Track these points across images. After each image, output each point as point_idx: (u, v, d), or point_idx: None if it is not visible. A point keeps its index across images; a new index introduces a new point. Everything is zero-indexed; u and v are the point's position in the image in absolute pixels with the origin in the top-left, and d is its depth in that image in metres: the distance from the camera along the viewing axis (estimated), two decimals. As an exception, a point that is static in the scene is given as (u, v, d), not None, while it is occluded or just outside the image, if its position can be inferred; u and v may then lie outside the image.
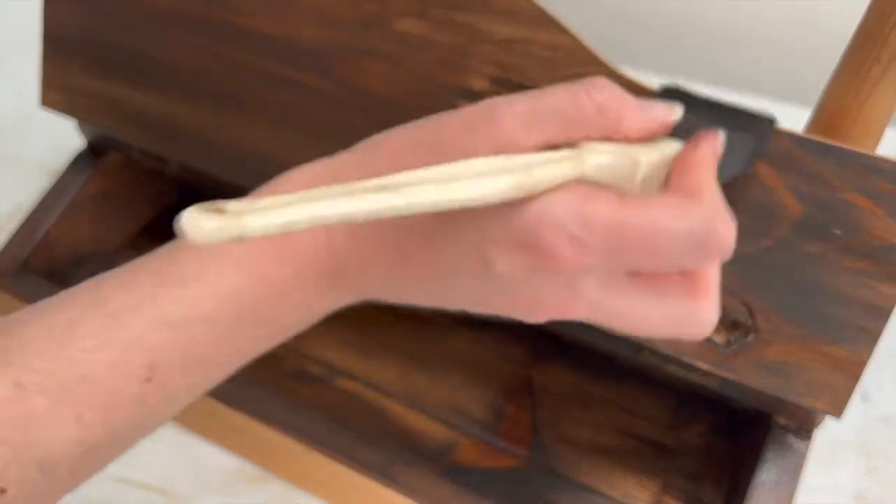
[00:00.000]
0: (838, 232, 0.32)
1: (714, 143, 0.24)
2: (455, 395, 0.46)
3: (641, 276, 0.23)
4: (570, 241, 0.21)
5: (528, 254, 0.21)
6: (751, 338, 0.33)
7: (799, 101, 0.54)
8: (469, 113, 0.24)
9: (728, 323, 0.33)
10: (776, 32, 0.74)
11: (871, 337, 0.32)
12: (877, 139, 0.36)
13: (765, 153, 0.31)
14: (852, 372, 0.32)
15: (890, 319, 0.31)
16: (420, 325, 0.49)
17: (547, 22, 0.34)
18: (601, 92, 0.23)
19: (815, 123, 0.37)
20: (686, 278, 0.23)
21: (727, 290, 0.33)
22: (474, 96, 0.36)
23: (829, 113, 0.36)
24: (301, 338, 0.48)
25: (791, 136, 0.32)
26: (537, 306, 0.23)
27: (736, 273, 0.33)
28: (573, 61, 0.34)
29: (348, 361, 0.47)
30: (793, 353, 0.32)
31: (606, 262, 0.21)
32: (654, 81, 0.33)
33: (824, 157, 0.31)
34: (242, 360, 0.29)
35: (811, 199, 0.32)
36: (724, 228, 0.21)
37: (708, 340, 0.33)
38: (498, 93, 0.36)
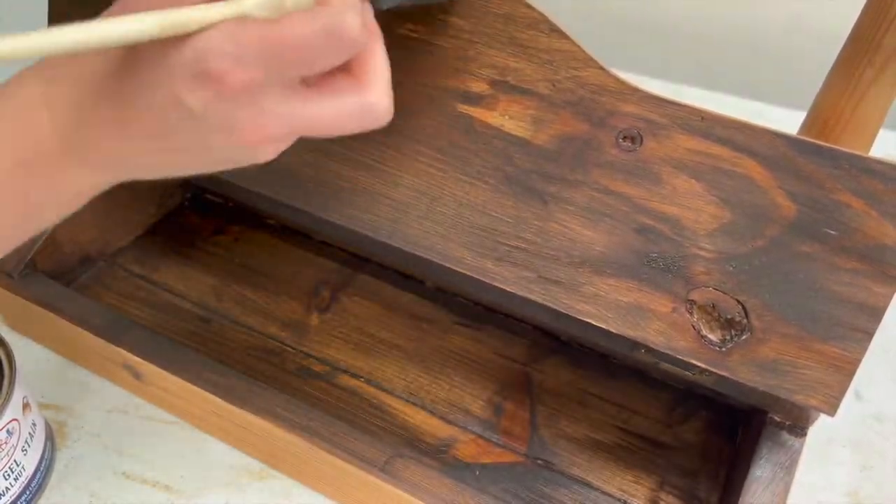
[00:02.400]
0: (832, 232, 0.32)
1: None
2: (455, 393, 0.46)
3: (314, 83, 0.26)
4: (233, 62, 0.24)
5: (204, 82, 0.24)
6: (745, 336, 0.33)
7: (793, 103, 0.55)
8: None
9: (723, 321, 0.34)
10: (770, 37, 0.74)
11: (864, 336, 0.32)
12: (870, 141, 0.36)
13: None
14: (846, 370, 0.32)
15: (883, 318, 0.32)
16: (420, 323, 0.50)
17: (545, 26, 0.35)
18: None
19: (809, 125, 0.37)
20: (351, 74, 0.26)
21: (722, 288, 0.33)
22: (474, 99, 0.37)
23: (823, 115, 0.36)
24: (303, 336, 0.49)
25: (785, 138, 0.32)
26: (241, 133, 0.26)
27: (730, 272, 0.33)
28: (570, 65, 0.35)
29: (350, 359, 0.48)
30: (787, 351, 0.33)
31: (271, 73, 0.25)
32: (649, 85, 0.34)
33: (818, 158, 0.32)
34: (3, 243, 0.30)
35: (805, 199, 0.32)
36: (351, 17, 0.24)
37: (703, 339, 0.34)
38: (497, 95, 0.36)
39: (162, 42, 0.24)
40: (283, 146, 0.27)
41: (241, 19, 0.24)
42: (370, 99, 0.26)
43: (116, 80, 0.27)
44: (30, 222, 0.30)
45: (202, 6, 0.25)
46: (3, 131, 0.28)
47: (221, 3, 0.25)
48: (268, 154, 0.28)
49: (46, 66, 0.29)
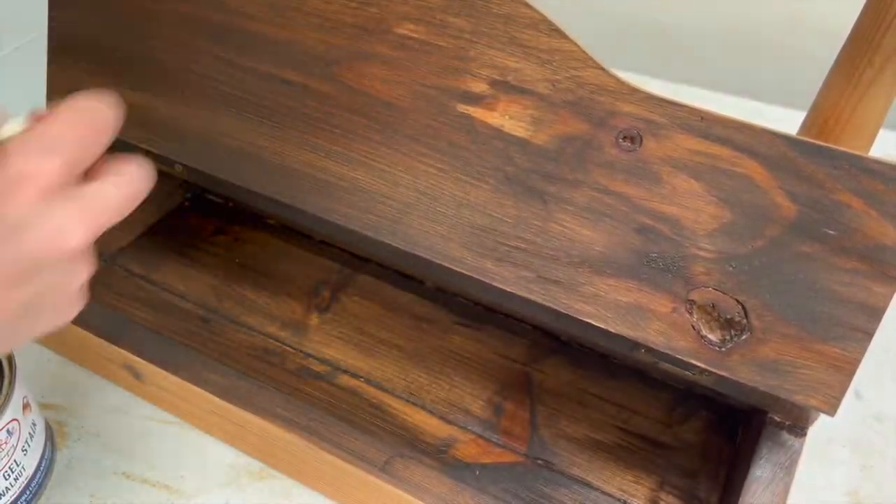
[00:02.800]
0: (832, 232, 0.32)
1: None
2: (455, 393, 0.46)
3: (91, 177, 0.28)
4: (42, 158, 0.26)
5: (21, 186, 0.25)
6: (745, 336, 0.33)
7: (793, 103, 0.55)
8: None
9: (722, 321, 0.34)
10: (770, 37, 0.74)
11: (864, 336, 0.32)
12: (869, 141, 0.36)
13: None
14: (846, 370, 0.32)
15: (883, 318, 0.32)
16: (420, 323, 0.50)
17: (545, 26, 0.35)
18: None
19: (809, 125, 0.37)
20: (106, 163, 0.29)
21: (722, 289, 0.33)
22: (474, 99, 0.37)
23: (823, 115, 0.36)
24: (303, 336, 0.49)
25: (785, 138, 0.32)
26: (68, 233, 0.27)
27: (730, 272, 0.33)
28: (570, 65, 0.35)
29: (350, 359, 0.48)
30: (787, 351, 0.33)
31: (71, 164, 0.27)
32: (649, 85, 0.34)
33: (817, 158, 0.32)
34: None
35: (805, 199, 0.32)
36: (105, 105, 0.29)
37: (703, 339, 0.34)
38: (497, 95, 0.36)
39: None
40: (90, 246, 0.28)
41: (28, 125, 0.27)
42: (131, 167, 0.30)
43: None
44: None
45: None
46: None
47: None
48: (88, 263, 0.29)
49: None
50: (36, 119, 0.28)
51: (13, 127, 0.29)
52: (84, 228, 0.27)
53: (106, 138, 0.29)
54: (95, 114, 0.28)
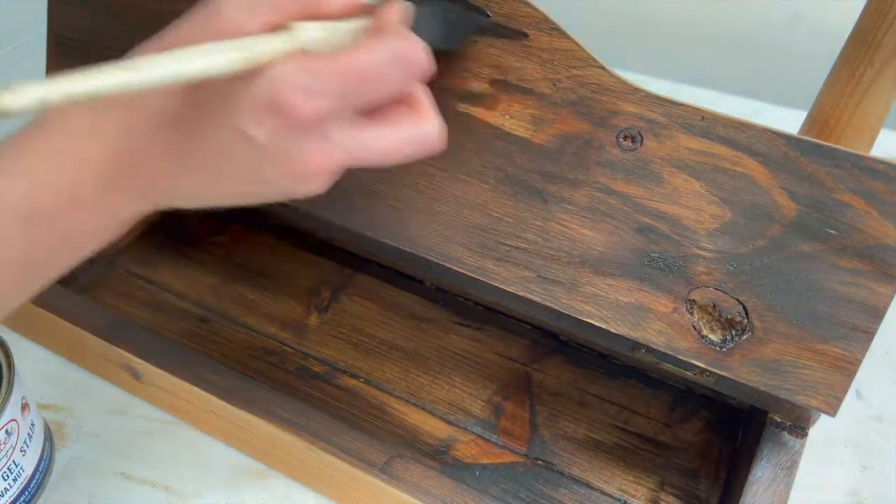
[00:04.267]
0: (832, 232, 0.32)
1: (399, 8, 0.28)
2: (454, 393, 0.46)
3: (375, 114, 0.27)
4: (304, 93, 0.25)
5: (274, 114, 0.25)
6: (746, 336, 0.33)
7: (794, 103, 0.55)
8: (202, 12, 0.27)
9: (723, 321, 0.33)
10: (771, 36, 0.74)
11: (865, 336, 0.32)
12: (870, 140, 0.36)
13: (470, 32, 0.36)
14: (847, 370, 0.32)
15: (884, 318, 0.32)
16: (420, 323, 0.50)
17: (546, 25, 0.35)
18: None
19: (810, 125, 0.37)
20: (406, 106, 0.27)
21: (723, 289, 0.33)
22: (475, 98, 0.37)
23: (824, 115, 0.36)
24: (303, 336, 0.49)
25: (786, 137, 0.32)
26: (304, 165, 0.26)
27: (731, 272, 0.33)
28: (571, 64, 0.35)
29: (349, 359, 0.48)
30: (788, 351, 0.33)
31: (339, 104, 0.25)
32: (650, 85, 0.34)
33: (818, 157, 0.32)
34: (43, 273, 0.29)
35: (806, 199, 0.32)
36: (414, 47, 0.26)
37: (704, 339, 0.34)
38: (498, 94, 0.36)
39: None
40: (335, 177, 0.27)
41: (311, 55, 0.25)
42: (427, 127, 0.28)
43: (174, 109, 0.27)
44: (70, 252, 0.29)
45: (265, 38, 0.25)
46: (46, 161, 0.27)
47: (278, 37, 0.25)
48: (321, 185, 0.28)
49: None
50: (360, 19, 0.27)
51: (327, 33, 0.26)
52: (326, 167, 0.26)
53: (411, 85, 0.27)
54: (407, 62, 0.26)
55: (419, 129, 0.28)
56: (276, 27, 0.26)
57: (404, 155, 0.28)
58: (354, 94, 0.26)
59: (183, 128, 0.27)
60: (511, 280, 0.36)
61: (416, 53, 0.26)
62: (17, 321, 0.49)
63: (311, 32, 0.26)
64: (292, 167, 0.26)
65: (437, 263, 0.37)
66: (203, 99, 0.26)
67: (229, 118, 0.26)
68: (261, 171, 0.27)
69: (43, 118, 0.28)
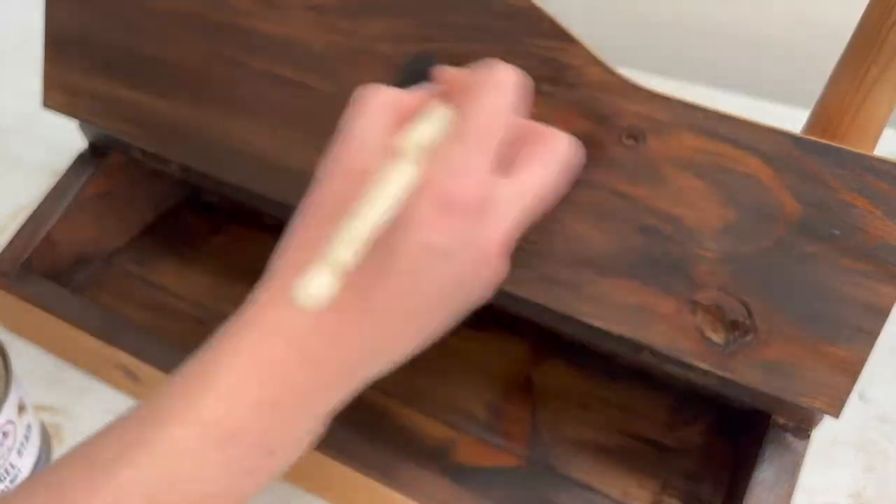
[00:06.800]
0: (836, 232, 0.32)
1: (451, 69, 0.30)
2: (455, 395, 0.46)
3: (513, 162, 0.27)
4: (464, 176, 0.25)
5: (449, 211, 0.25)
6: (749, 338, 0.33)
7: (797, 102, 0.55)
8: (340, 170, 0.28)
9: (727, 323, 0.33)
10: (775, 34, 0.74)
11: (869, 336, 0.32)
12: (874, 139, 0.36)
13: None
14: (850, 371, 0.32)
15: (888, 319, 0.32)
16: (420, 324, 0.49)
17: (547, 24, 0.35)
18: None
19: (814, 124, 0.37)
20: (528, 140, 0.28)
21: (726, 289, 0.33)
22: (475, 97, 0.36)
23: (828, 114, 0.36)
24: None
25: (790, 137, 0.32)
26: (491, 244, 0.26)
27: (734, 273, 0.33)
28: (573, 62, 0.34)
29: (349, 361, 0.47)
30: (791, 352, 0.33)
31: (489, 166, 0.26)
32: (653, 83, 0.34)
33: (822, 157, 0.32)
34: (248, 497, 0.26)
35: (809, 199, 0.32)
36: (500, 69, 0.27)
37: (707, 340, 0.33)
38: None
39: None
40: (509, 247, 0.27)
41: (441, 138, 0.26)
42: (554, 141, 0.28)
43: (362, 274, 0.26)
44: (274, 469, 0.27)
45: (394, 167, 0.26)
46: (242, 373, 0.25)
47: (403, 162, 0.26)
48: (503, 262, 0.27)
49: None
50: (445, 99, 0.27)
51: (431, 125, 0.27)
52: (503, 236, 0.26)
53: (522, 112, 0.27)
54: (507, 91, 0.26)
55: (554, 149, 0.28)
56: (389, 152, 0.26)
57: (561, 181, 0.28)
58: (494, 147, 0.26)
59: (367, 281, 0.25)
60: (512, 280, 0.36)
61: (508, 74, 0.27)
62: (14, 322, 0.48)
63: (419, 133, 0.27)
64: (482, 254, 0.26)
65: (437, 264, 0.37)
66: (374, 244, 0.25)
67: (410, 242, 0.24)
68: (457, 278, 0.26)
69: (235, 319, 0.26)
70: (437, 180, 0.25)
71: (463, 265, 0.26)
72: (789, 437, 0.37)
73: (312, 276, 0.25)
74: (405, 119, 0.27)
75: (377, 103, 0.27)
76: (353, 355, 0.26)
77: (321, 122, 0.39)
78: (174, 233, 0.56)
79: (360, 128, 0.27)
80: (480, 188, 0.25)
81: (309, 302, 0.25)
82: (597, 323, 0.35)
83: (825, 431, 0.39)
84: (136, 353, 0.42)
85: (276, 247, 0.28)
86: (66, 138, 0.51)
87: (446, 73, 0.29)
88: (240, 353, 0.25)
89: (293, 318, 0.25)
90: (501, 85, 0.26)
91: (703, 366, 0.34)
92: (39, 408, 0.45)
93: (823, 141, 0.32)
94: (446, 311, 0.27)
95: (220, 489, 0.25)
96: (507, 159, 0.27)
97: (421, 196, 0.24)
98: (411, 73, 0.35)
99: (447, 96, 0.28)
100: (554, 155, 0.28)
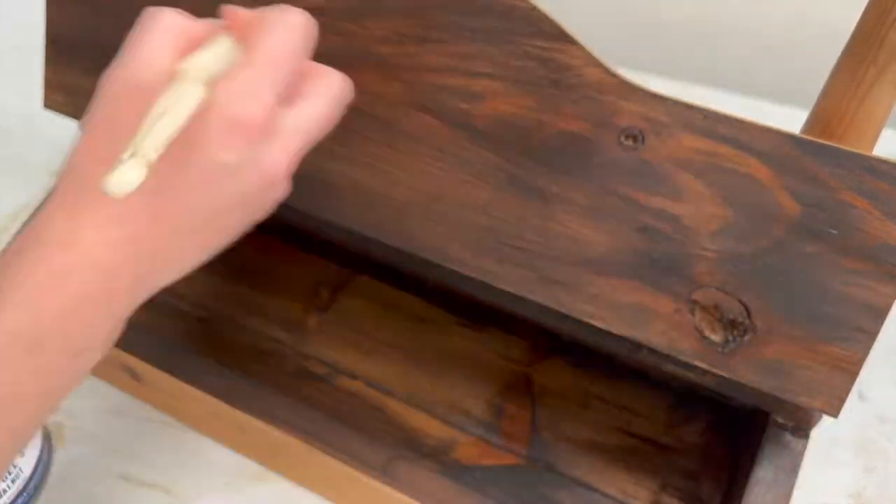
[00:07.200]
0: (835, 232, 0.32)
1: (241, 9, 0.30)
2: (455, 394, 0.46)
3: (296, 94, 0.29)
4: (252, 100, 0.26)
5: (238, 132, 0.26)
6: (748, 337, 0.33)
7: (796, 102, 0.55)
8: (121, 89, 0.29)
9: (726, 322, 0.33)
10: (773, 34, 0.74)
11: (868, 336, 0.32)
12: (873, 140, 0.36)
13: None
14: (849, 371, 0.32)
15: (887, 319, 0.32)
16: (420, 324, 0.50)
17: (546, 24, 0.35)
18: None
19: (812, 124, 0.37)
20: (308, 77, 0.29)
21: (725, 289, 0.33)
22: (475, 97, 0.36)
23: (826, 114, 0.36)
24: (303, 337, 0.49)
25: (788, 137, 0.32)
26: (277, 166, 0.28)
27: (733, 273, 0.33)
28: (572, 63, 0.35)
29: (349, 361, 0.48)
30: (790, 352, 0.33)
31: (276, 95, 0.27)
32: (651, 83, 0.34)
33: (821, 157, 0.32)
34: (57, 398, 0.30)
35: (808, 199, 0.32)
36: (292, 12, 0.28)
37: (706, 340, 0.34)
38: (497, 93, 0.36)
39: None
40: (292, 169, 0.29)
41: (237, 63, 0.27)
42: (334, 80, 0.30)
43: (153, 188, 0.27)
44: (81, 368, 0.29)
45: (177, 86, 0.27)
46: (44, 283, 0.27)
47: (185, 83, 0.27)
48: (288, 183, 0.29)
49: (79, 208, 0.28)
50: (232, 32, 0.28)
51: (216, 54, 0.28)
52: (288, 160, 0.28)
53: (307, 53, 0.29)
54: (296, 31, 0.28)
55: (331, 85, 0.30)
56: (173, 75, 0.27)
57: (335, 113, 0.30)
58: (280, 79, 0.27)
59: (167, 195, 0.27)
60: (512, 280, 0.36)
61: (298, 16, 0.28)
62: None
63: (205, 59, 0.28)
64: (268, 174, 0.27)
65: (437, 264, 0.37)
66: (173, 160, 0.26)
67: (200, 159, 0.26)
68: (244, 196, 0.28)
69: (28, 231, 0.28)
70: (227, 102, 0.26)
71: (250, 184, 0.27)
72: (788, 437, 0.38)
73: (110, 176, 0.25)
74: (192, 46, 0.28)
75: (164, 26, 0.28)
76: (143, 265, 0.28)
77: (321, 122, 0.39)
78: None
79: (146, 49, 0.28)
80: (268, 112, 0.26)
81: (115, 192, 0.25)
82: (596, 323, 0.35)
83: (825, 431, 0.39)
84: (138, 353, 0.42)
85: (63, 162, 0.30)
86: (66, 139, 0.51)
87: (236, 11, 0.30)
88: (38, 265, 0.27)
89: (85, 232, 0.27)
90: (290, 25, 0.28)
91: (702, 365, 0.34)
92: (41, 407, 0.45)
93: (822, 141, 0.32)
94: (232, 226, 0.29)
95: (30, 390, 0.27)
96: (291, 93, 0.28)
97: (210, 115, 0.26)
98: None
99: (237, 32, 0.29)
100: (331, 90, 0.30)
